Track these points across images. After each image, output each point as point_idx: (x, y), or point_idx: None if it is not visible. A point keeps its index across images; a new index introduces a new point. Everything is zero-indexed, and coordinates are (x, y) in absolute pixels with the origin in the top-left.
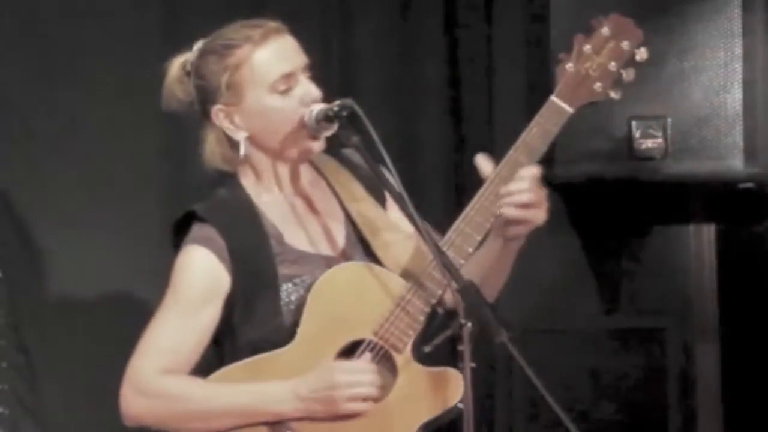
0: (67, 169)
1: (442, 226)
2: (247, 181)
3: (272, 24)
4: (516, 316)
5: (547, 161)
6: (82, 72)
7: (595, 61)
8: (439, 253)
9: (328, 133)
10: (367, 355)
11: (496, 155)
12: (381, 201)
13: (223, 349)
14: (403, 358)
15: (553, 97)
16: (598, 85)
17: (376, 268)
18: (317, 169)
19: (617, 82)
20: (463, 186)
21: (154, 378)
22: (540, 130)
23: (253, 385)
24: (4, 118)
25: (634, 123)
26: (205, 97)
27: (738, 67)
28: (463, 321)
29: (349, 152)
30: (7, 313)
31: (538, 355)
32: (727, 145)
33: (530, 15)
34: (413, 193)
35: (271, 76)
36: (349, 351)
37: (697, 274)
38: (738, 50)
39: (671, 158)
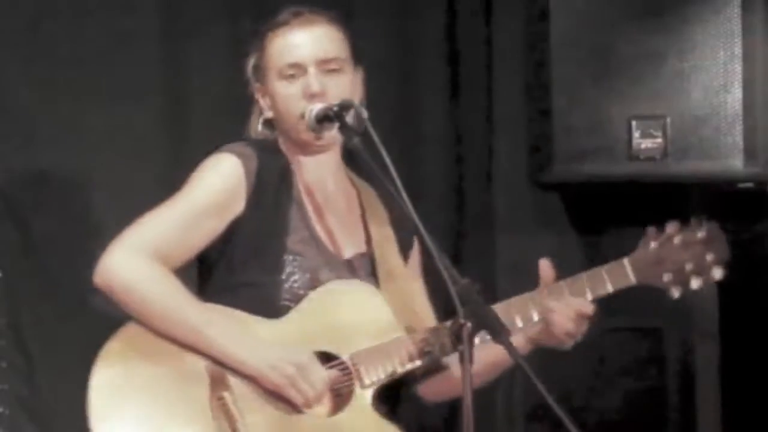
0: (67, 169)
1: (442, 225)
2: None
3: (310, 13)
4: None
5: (546, 161)
6: (82, 72)
7: (678, 254)
8: (439, 253)
9: (329, 132)
10: (335, 372)
11: (495, 154)
12: (405, 249)
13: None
14: (361, 395)
15: (625, 260)
16: (667, 276)
17: (387, 305)
18: (352, 183)
19: (683, 284)
20: (463, 185)
21: (150, 259)
22: (596, 280)
23: (233, 326)
24: (4, 118)
25: (633, 123)
26: (250, 73)
27: (738, 67)
28: (462, 321)
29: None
30: (7, 313)
31: (539, 355)
32: (726, 144)
33: (530, 15)
34: (413, 192)
35: (280, 62)
36: (323, 359)
37: None
38: (738, 50)
39: (671, 158)
